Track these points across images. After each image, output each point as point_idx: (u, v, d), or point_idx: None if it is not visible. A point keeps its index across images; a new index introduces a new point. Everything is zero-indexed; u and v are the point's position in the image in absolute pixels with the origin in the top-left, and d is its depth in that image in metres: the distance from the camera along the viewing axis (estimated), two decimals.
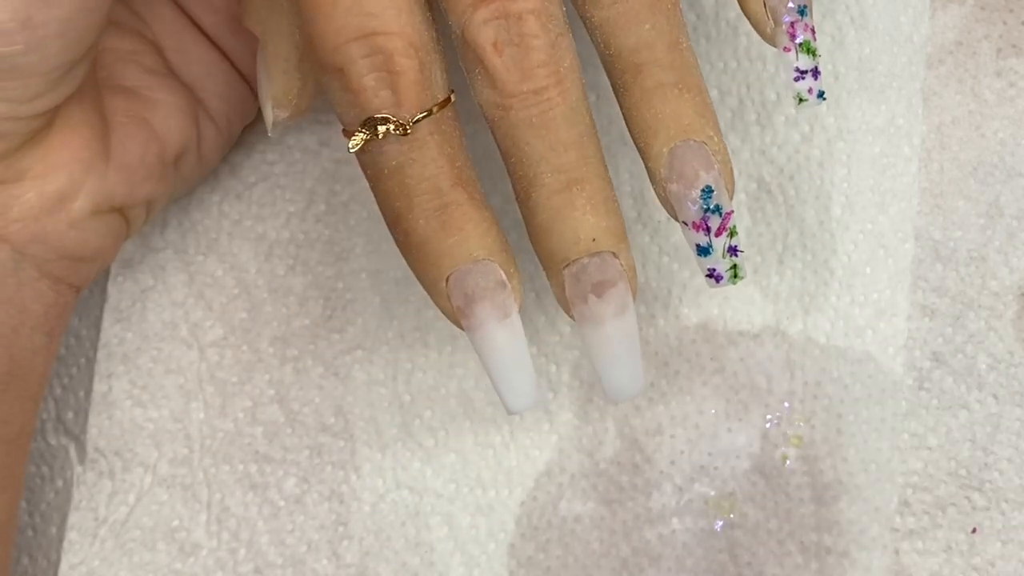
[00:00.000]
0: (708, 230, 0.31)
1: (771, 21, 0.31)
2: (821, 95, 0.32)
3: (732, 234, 0.31)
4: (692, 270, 0.39)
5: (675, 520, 0.37)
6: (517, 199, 0.30)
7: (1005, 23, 0.39)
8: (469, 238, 0.30)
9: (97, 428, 0.40)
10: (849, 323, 0.38)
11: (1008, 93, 0.38)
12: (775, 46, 0.31)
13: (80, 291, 0.37)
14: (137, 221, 0.37)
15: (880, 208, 0.38)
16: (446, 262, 0.30)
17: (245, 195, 0.41)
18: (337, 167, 0.41)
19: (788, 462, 0.37)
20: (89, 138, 0.34)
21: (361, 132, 0.29)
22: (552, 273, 0.31)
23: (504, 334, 0.31)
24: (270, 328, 0.40)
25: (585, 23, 0.31)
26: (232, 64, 0.38)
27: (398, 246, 0.31)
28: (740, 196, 0.39)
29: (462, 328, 0.31)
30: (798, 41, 0.31)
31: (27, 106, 0.32)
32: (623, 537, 0.38)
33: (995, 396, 0.37)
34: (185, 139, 0.37)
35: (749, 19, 0.32)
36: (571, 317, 0.31)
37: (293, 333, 0.40)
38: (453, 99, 0.30)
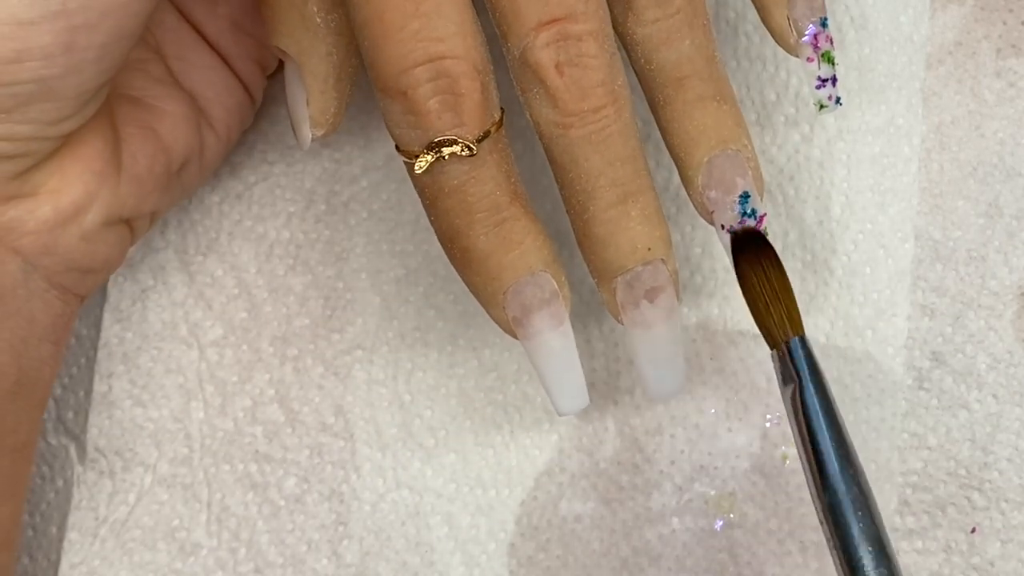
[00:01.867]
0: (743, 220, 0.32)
1: (795, 33, 0.33)
2: (838, 100, 0.33)
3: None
4: (692, 270, 0.39)
5: (675, 520, 0.37)
6: (571, 213, 0.32)
7: (1005, 23, 0.39)
8: (529, 251, 0.32)
9: (97, 428, 0.40)
10: (849, 323, 0.38)
11: (1008, 93, 0.38)
12: (798, 57, 0.33)
13: (84, 300, 0.37)
14: (141, 231, 0.37)
15: (880, 208, 0.38)
16: (508, 275, 0.32)
17: (245, 195, 0.41)
18: (337, 167, 0.41)
19: (788, 462, 0.37)
20: (102, 150, 0.35)
21: (427, 154, 0.31)
22: (604, 282, 0.32)
23: (559, 340, 0.32)
24: (270, 328, 0.40)
25: (624, 39, 0.32)
26: (233, 71, 0.39)
27: (454, 263, 0.32)
28: None
29: (516, 337, 0.32)
30: (820, 51, 0.33)
31: (54, 128, 0.33)
32: (623, 537, 0.38)
33: (995, 396, 0.37)
34: (189, 149, 0.37)
35: (772, 32, 0.33)
36: (621, 323, 0.33)
37: (293, 333, 0.40)
38: (503, 117, 0.31)
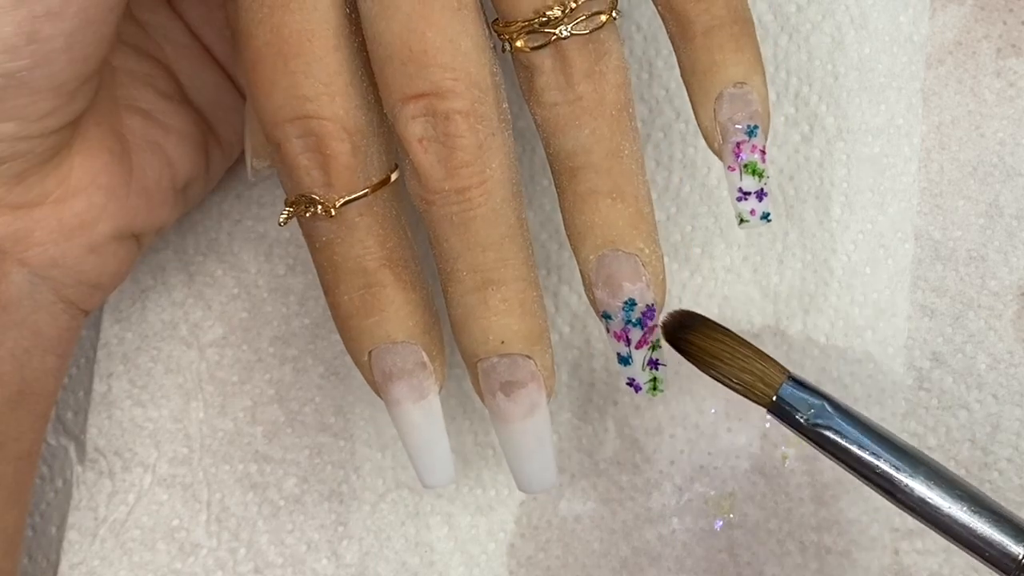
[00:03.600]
0: (629, 341, 0.31)
1: (719, 136, 0.31)
2: (765, 217, 0.31)
3: (654, 347, 0.31)
4: (691, 270, 0.39)
5: (675, 520, 0.37)
6: (441, 290, 0.31)
7: (1005, 23, 0.39)
8: (389, 320, 0.31)
9: (97, 428, 0.40)
10: (849, 323, 0.38)
11: (1008, 93, 0.38)
12: (722, 162, 0.31)
13: (89, 314, 0.37)
14: (146, 245, 0.37)
15: (880, 208, 0.38)
16: (366, 339, 0.31)
17: (245, 195, 0.41)
18: None
19: (788, 462, 0.37)
20: (109, 162, 0.35)
21: (289, 208, 0.30)
22: (468, 366, 0.31)
23: (419, 414, 0.31)
24: (270, 328, 0.40)
25: (532, 118, 0.31)
26: (239, 91, 0.39)
27: (331, 315, 0.32)
28: None
29: (383, 401, 0.32)
30: (742, 161, 0.31)
31: (38, 124, 0.32)
32: (623, 537, 0.38)
33: (995, 396, 0.37)
34: (195, 167, 0.37)
35: (701, 131, 0.31)
36: (487, 408, 0.31)
37: (293, 333, 0.40)
38: (395, 178, 0.30)
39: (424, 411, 0.31)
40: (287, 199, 0.30)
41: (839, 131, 0.38)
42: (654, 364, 0.31)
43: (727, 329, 0.32)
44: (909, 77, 0.39)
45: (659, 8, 0.31)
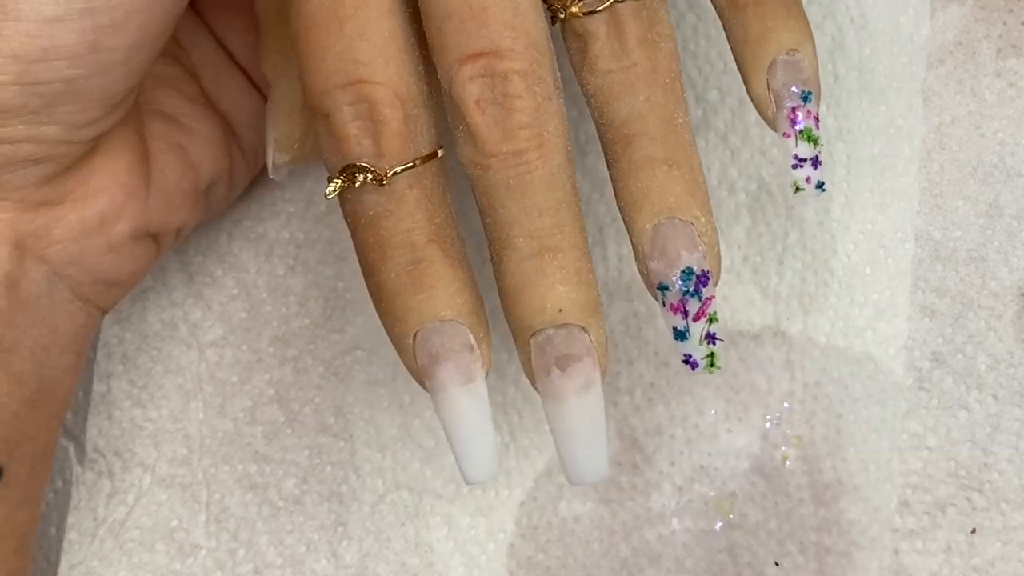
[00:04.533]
0: (686, 314, 0.30)
1: (773, 105, 0.30)
2: (820, 186, 0.31)
3: (712, 320, 0.30)
4: None
5: (675, 520, 0.37)
6: (491, 261, 0.30)
7: (1005, 23, 0.39)
8: (438, 297, 0.29)
9: (96, 428, 0.40)
10: (849, 323, 0.38)
11: (1008, 93, 0.38)
12: (776, 131, 0.31)
13: (106, 314, 0.37)
14: (165, 247, 0.37)
15: (880, 208, 0.38)
16: (413, 318, 0.30)
17: (245, 195, 0.41)
18: None
19: (788, 462, 0.37)
20: (131, 162, 0.35)
21: (339, 179, 0.29)
22: (519, 341, 0.30)
23: (466, 399, 0.30)
24: (270, 328, 0.40)
25: (582, 88, 0.30)
26: (263, 96, 0.38)
27: (371, 298, 0.30)
28: (740, 196, 0.39)
29: (426, 389, 0.30)
30: (799, 127, 0.30)
31: (82, 131, 0.32)
32: (623, 537, 0.38)
33: (995, 396, 0.37)
34: (218, 169, 0.37)
35: (752, 99, 0.31)
36: (536, 389, 0.30)
37: (293, 333, 0.40)
38: (441, 154, 0.30)
39: (471, 396, 0.30)
40: (330, 174, 0.30)
41: (839, 131, 0.38)
42: (711, 338, 0.30)
43: None
44: (909, 77, 0.39)
45: None
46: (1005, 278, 0.37)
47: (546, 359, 0.29)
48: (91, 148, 0.34)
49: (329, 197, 0.29)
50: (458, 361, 0.30)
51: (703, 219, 0.30)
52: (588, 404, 0.30)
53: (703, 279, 0.30)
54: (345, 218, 0.30)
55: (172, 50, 0.37)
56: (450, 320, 0.30)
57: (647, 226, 0.29)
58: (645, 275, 0.30)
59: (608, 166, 0.30)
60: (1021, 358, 0.37)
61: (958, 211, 0.38)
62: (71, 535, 0.39)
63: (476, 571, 0.38)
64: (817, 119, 0.31)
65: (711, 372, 0.30)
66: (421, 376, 0.30)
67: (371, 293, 0.30)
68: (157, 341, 0.41)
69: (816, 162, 0.31)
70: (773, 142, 0.39)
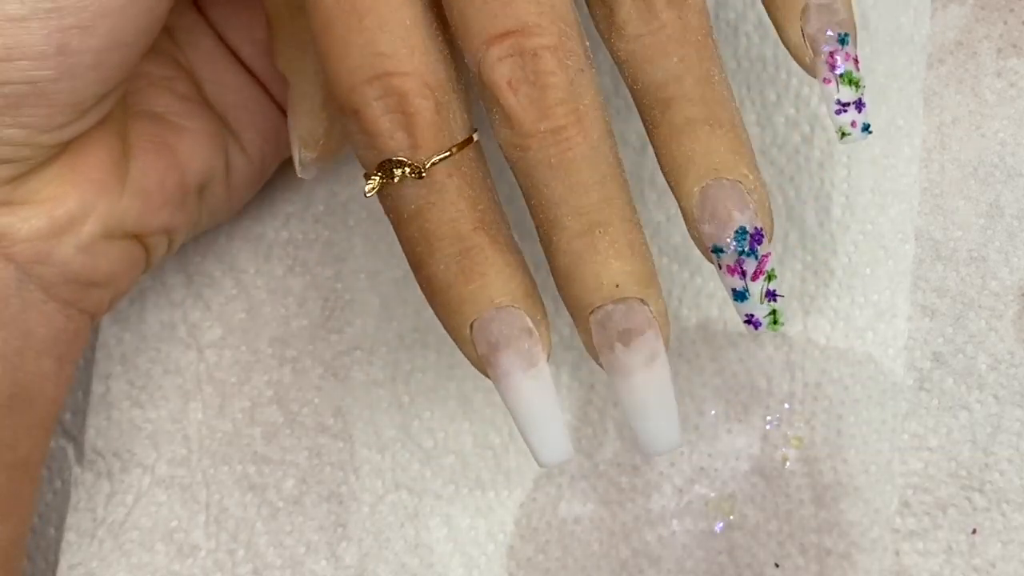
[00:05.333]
0: (744, 274, 0.29)
1: (810, 51, 0.30)
2: (866, 128, 0.30)
3: (770, 278, 0.30)
4: (692, 271, 0.39)
5: (675, 522, 0.37)
6: (540, 242, 0.30)
7: (1005, 23, 0.39)
8: (491, 284, 0.29)
9: (95, 429, 0.40)
10: (849, 324, 0.38)
11: (1008, 93, 0.38)
12: (815, 77, 0.30)
13: (96, 318, 0.36)
14: (158, 250, 0.36)
15: (880, 209, 0.38)
16: (468, 309, 0.29)
17: None
18: (336, 167, 0.41)
19: (788, 463, 0.37)
20: (104, 160, 0.34)
21: (376, 176, 0.29)
22: (579, 320, 0.29)
23: (530, 384, 0.29)
24: (269, 328, 0.40)
25: (613, 57, 0.30)
26: (271, 97, 0.38)
27: (423, 292, 0.30)
28: None
29: (489, 378, 0.30)
30: (839, 72, 0.30)
31: (48, 135, 0.32)
32: (623, 538, 0.38)
33: (995, 397, 0.37)
34: (211, 168, 0.36)
35: (788, 48, 0.30)
36: (601, 366, 0.30)
37: (292, 334, 0.40)
38: (476, 139, 0.29)
39: (535, 380, 0.29)
40: (367, 171, 0.29)
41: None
42: (771, 295, 0.30)
43: None
44: (910, 77, 0.39)
45: None
46: (1006, 278, 0.37)
47: (608, 335, 0.29)
48: (64, 149, 0.33)
49: (368, 195, 0.29)
50: (518, 347, 0.29)
51: (751, 176, 0.29)
52: (655, 376, 0.29)
53: (757, 237, 0.29)
54: (387, 214, 0.30)
55: (169, 49, 0.36)
56: (506, 306, 0.29)
57: (695, 189, 0.29)
58: (697, 238, 0.29)
59: (647, 132, 0.30)
60: (1022, 358, 0.37)
61: (959, 211, 0.38)
62: (70, 535, 0.39)
63: (475, 572, 0.38)
64: (857, 61, 0.30)
65: (775, 330, 0.30)
66: (483, 366, 0.30)
67: (422, 287, 0.30)
68: (156, 341, 0.40)
69: (860, 105, 0.30)
70: (773, 142, 0.39)
